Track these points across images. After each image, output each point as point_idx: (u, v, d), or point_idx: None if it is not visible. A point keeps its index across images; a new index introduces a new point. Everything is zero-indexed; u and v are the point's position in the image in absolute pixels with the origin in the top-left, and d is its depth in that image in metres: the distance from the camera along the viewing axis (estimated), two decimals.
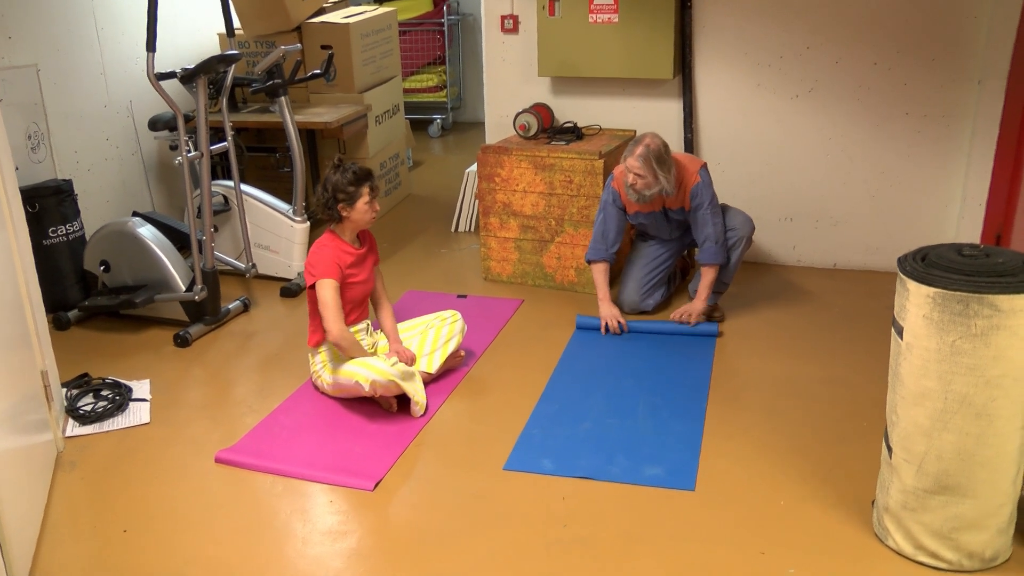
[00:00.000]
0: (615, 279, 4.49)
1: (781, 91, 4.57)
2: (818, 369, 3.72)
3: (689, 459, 3.08)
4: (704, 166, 4.01)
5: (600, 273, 4.15)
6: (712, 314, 4.17)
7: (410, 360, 3.58)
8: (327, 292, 3.40)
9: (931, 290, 2.29)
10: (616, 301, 4.20)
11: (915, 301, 2.34)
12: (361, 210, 3.46)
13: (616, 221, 4.11)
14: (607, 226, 4.12)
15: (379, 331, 3.77)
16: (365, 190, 3.44)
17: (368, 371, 3.30)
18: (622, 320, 4.06)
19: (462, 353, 3.83)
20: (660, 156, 3.83)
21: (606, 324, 4.05)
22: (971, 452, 2.35)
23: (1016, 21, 4.06)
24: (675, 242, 4.30)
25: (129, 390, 3.66)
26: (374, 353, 3.60)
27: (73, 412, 3.50)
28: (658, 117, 4.80)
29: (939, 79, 4.35)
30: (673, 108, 4.78)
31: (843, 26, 4.40)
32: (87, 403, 3.57)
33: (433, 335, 3.68)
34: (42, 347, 3.30)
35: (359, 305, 3.62)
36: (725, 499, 2.88)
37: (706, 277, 4.03)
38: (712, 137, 4.74)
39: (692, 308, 4.04)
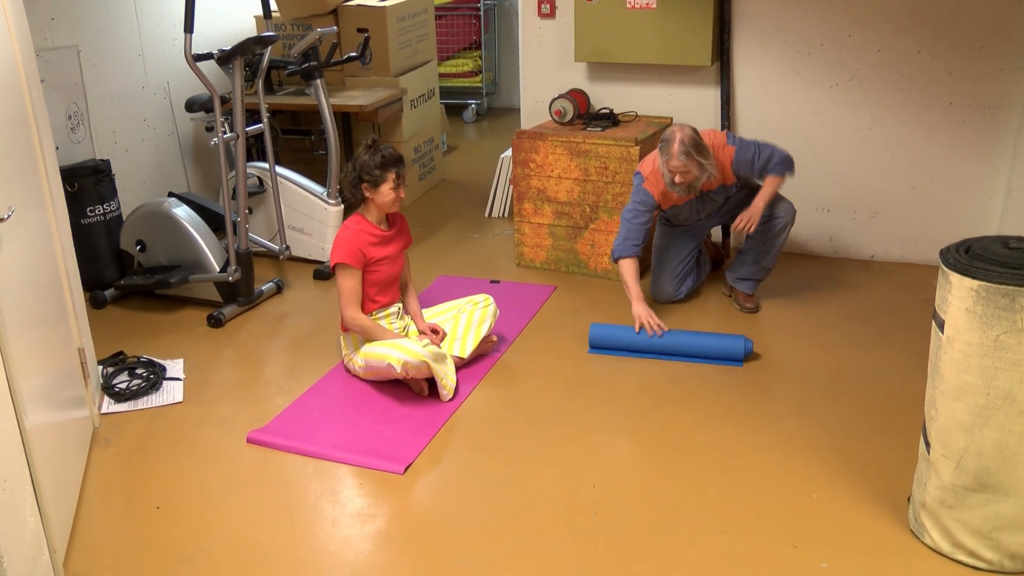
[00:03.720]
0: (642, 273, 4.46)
1: (820, 80, 4.50)
2: (852, 362, 3.67)
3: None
4: (728, 134, 3.97)
5: (631, 269, 3.93)
6: (746, 304, 4.13)
7: (442, 337, 3.58)
8: (342, 278, 3.44)
9: (975, 283, 2.24)
10: (647, 293, 4.17)
11: (957, 294, 2.29)
12: (385, 194, 3.45)
13: (647, 221, 4.03)
14: (639, 225, 3.95)
15: (408, 315, 3.76)
16: (391, 175, 3.44)
17: (400, 352, 3.31)
18: (659, 322, 3.78)
19: (494, 338, 3.82)
20: (697, 145, 3.79)
21: (641, 325, 3.79)
22: (1014, 450, 2.30)
23: None
24: (703, 225, 4.26)
25: (163, 369, 3.69)
26: (405, 336, 3.61)
27: (108, 389, 3.54)
28: (695, 104, 4.75)
29: (986, 68, 4.25)
30: (710, 96, 4.72)
31: (886, 14, 4.32)
32: (122, 381, 3.61)
33: (465, 319, 3.67)
34: (79, 325, 3.33)
35: (388, 288, 3.62)
36: (756, 491, 2.85)
37: (768, 186, 3.94)
38: (749, 126, 4.67)
39: (752, 211, 3.94)
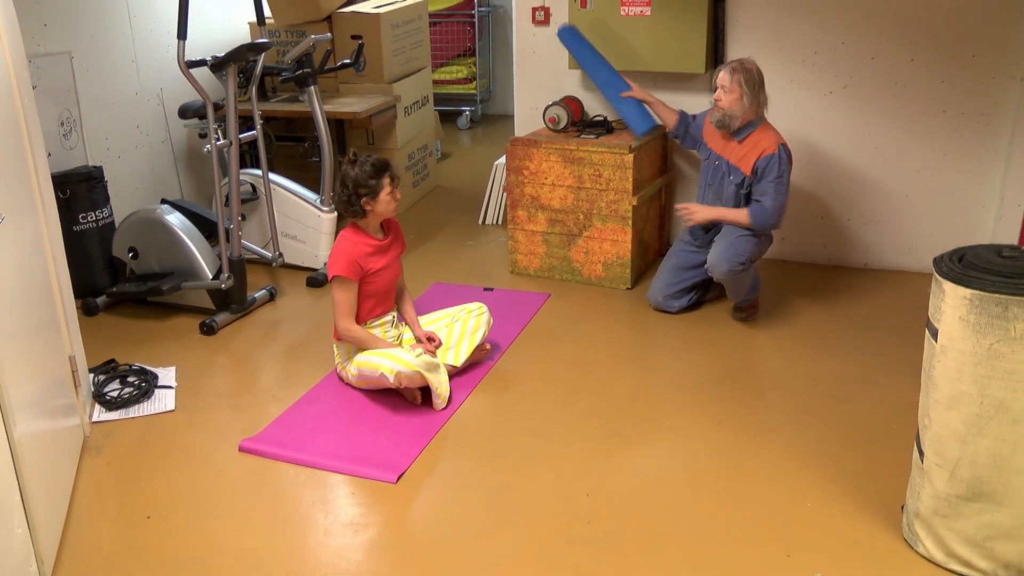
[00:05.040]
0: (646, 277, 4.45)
1: (815, 87, 4.51)
2: (846, 369, 3.67)
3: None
4: (785, 145, 3.91)
5: (667, 109, 4.36)
6: (735, 313, 4.14)
7: (437, 345, 3.58)
8: (338, 290, 3.43)
9: (968, 292, 2.24)
10: (646, 295, 4.23)
11: (951, 303, 2.29)
12: (384, 201, 3.44)
13: (699, 120, 4.20)
14: (698, 117, 4.23)
15: (403, 323, 3.75)
16: (386, 180, 3.42)
17: (393, 362, 3.29)
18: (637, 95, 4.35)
19: (488, 346, 3.81)
20: (751, 79, 3.81)
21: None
22: (1007, 459, 2.29)
23: None
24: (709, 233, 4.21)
25: (155, 377, 3.67)
26: (399, 345, 3.59)
27: (100, 398, 3.52)
28: (689, 111, 4.74)
29: (979, 76, 4.26)
30: (705, 103, 4.71)
31: (879, 22, 4.33)
32: (113, 389, 3.59)
33: (459, 327, 3.66)
34: (70, 333, 3.32)
35: (384, 298, 3.61)
36: (750, 499, 2.84)
37: (735, 211, 3.94)
38: None
39: (700, 209, 4.01)
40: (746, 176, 3.93)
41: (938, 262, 2.38)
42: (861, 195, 4.62)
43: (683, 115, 4.29)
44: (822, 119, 4.55)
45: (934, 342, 2.38)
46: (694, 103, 4.72)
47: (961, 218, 4.50)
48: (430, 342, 3.60)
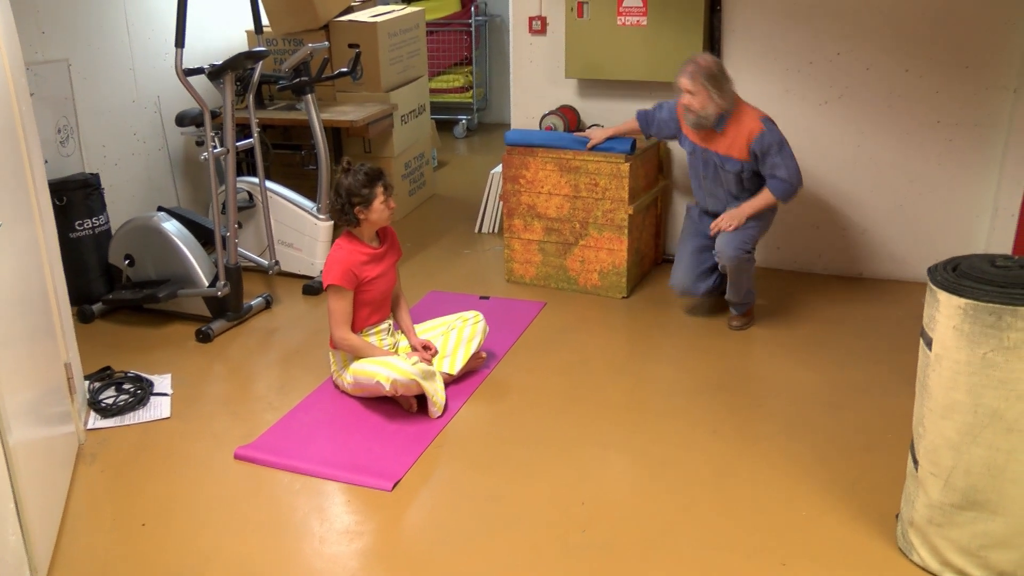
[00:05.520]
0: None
1: (810, 97, 4.52)
2: (842, 378, 3.68)
3: None
4: (767, 117, 3.89)
5: (629, 124, 4.32)
6: (731, 322, 4.15)
7: (434, 353, 3.58)
8: (333, 299, 3.43)
9: (962, 301, 2.25)
10: (670, 283, 4.23)
11: (945, 312, 2.30)
12: (378, 210, 3.45)
13: (670, 114, 4.14)
14: (662, 107, 4.20)
15: (399, 331, 3.76)
16: (379, 189, 3.43)
17: (389, 370, 3.30)
18: (589, 142, 4.31)
19: (483, 355, 3.82)
20: (712, 74, 3.80)
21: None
22: (1002, 468, 2.30)
23: None
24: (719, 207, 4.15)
25: (150, 384, 3.67)
26: (395, 353, 3.60)
27: (95, 405, 3.51)
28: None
29: (972, 87, 4.28)
30: None
31: (874, 33, 4.35)
32: (109, 396, 3.59)
33: (455, 336, 3.66)
34: (66, 340, 3.31)
35: (380, 307, 3.61)
36: (746, 508, 2.85)
37: (761, 197, 3.93)
38: None
39: (734, 213, 3.95)
40: (743, 161, 3.92)
41: (932, 272, 2.39)
42: (856, 205, 4.64)
43: (640, 117, 4.29)
44: (817, 129, 4.57)
45: (928, 351, 2.39)
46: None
47: (956, 228, 4.51)
48: (426, 350, 3.60)
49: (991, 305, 2.20)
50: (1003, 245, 4.33)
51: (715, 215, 4.11)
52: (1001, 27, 4.17)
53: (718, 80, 3.81)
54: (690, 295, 4.22)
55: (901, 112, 4.42)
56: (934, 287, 2.34)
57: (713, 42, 4.58)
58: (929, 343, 2.38)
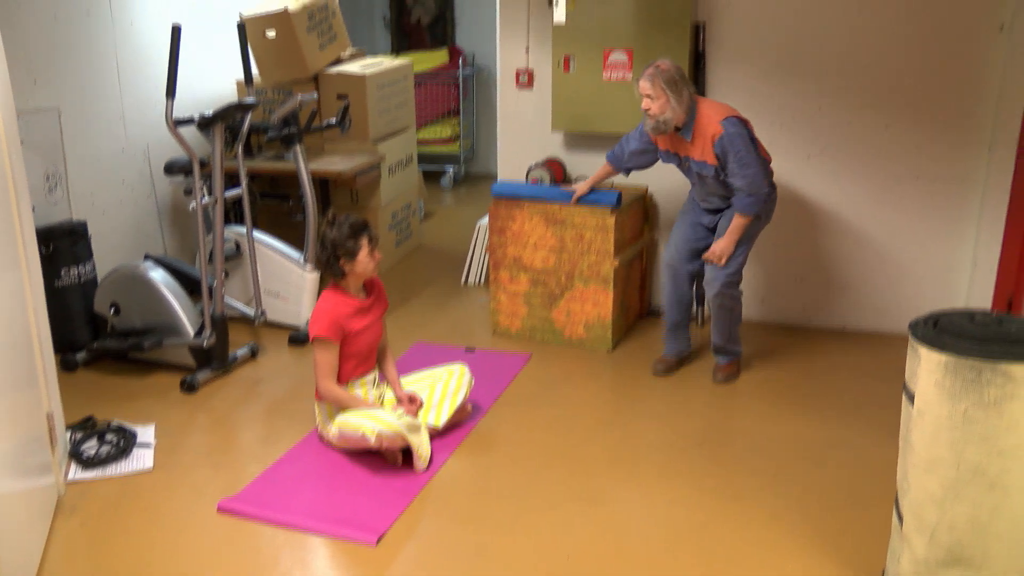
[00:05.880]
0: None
1: (793, 151, 4.60)
2: (826, 432, 3.69)
3: None
4: (730, 117, 3.83)
5: (602, 170, 4.32)
6: (716, 374, 4.17)
7: (419, 406, 3.57)
8: (318, 351, 3.43)
9: (943, 356, 2.28)
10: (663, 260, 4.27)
11: (927, 367, 2.32)
12: (363, 262, 3.47)
13: (639, 141, 4.12)
14: (630, 139, 4.18)
15: (386, 383, 3.75)
16: (364, 241, 3.45)
17: (374, 423, 3.29)
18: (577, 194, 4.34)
19: (469, 407, 3.81)
20: (671, 78, 3.79)
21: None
22: (985, 524, 2.31)
23: None
24: (718, 213, 4.10)
25: (134, 435, 3.64)
26: (380, 405, 3.59)
27: (76, 456, 3.48)
28: (670, 174, 4.79)
29: (950, 144, 4.37)
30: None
31: (855, 89, 4.44)
32: (91, 447, 3.55)
33: (441, 388, 3.66)
34: (49, 389, 3.29)
35: (366, 358, 3.61)
36: (731, 564, 2.83)
37: (736, 224, 3.90)
38: None
39: (718, 247, 3.93)
40: (715, 166, 3.88)
41: (914, 327, 2.42)
42: (839, 258, 4.69)
43: (611, 158, 4.27)
44: (801, 182, 4.63)
45: (911, 406, 2.41)
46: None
47: (937, 281, 4.57)
48: (411, 403, 3.59)
49: (971, 361, 2.23)
50: (983, 298, 4.38)
51: (716, 211, 4.09)
52: (976, 87, 4.27)
53: (677, 86, 3.79)
54: (677, 270, 4.17)
55: (882, 167, 4.50)
56: (915, 342, 2.37)
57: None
58: (911, 398, 2.40)
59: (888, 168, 4.49)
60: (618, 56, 4.63)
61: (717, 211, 4.10)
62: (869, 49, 4.38)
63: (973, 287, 4.46)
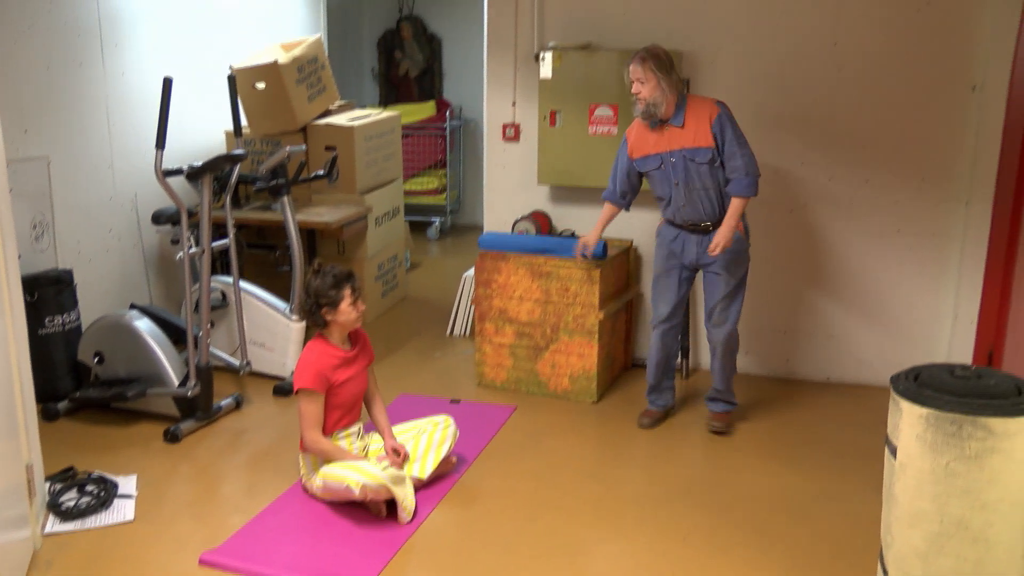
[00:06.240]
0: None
1: (776, 205, 4.67)
2: (810, 484, 3.69)
3: None
4: (720, 101, 3.89)
5: (605, 211, 4.23)
6: (712, 422, 4.17)
7: (404, 459, 3.56)
8: (304, 402, 3.43)
9: (924, 410, 2.30)
10: (653, 320, 4.21)
11: (908, 421, 2.35)
12: (345, 312, 3.49)
13: (624, 165, 4.09)
14: (615, 169, 4.16)
15: (371, 434, 3.74)
16: (347, 291, 3.48)
17: (359, 475, 3.27)
18: (588, 247, 4.23)
19: (454, 459, 3.80)
20: (661, 62, 3.79)
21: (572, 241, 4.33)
22: None
23: (998, 147, 4.19)
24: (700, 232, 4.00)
25: (115, 486, 3.60)
26: (365, 457, 3.57)
27: (55, 507, 3.43)
28: (655, 228, 4.86)
29: (929, 199, 4.46)
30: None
31: (836, 145, 4.53)
32: (70, 498, 3.50)
33: (426, 440, 3.65)
34: (29, 440, 3.26)
35: (351, 409, 3.61)
36: None
37: (735, 207, 3.87)
38: None
39: (720, 236, 3.85)
40: (711, 148, 3.85)
41: (895, 380, 2.44)
42: (822, 310, 4.74)
43: (607, 195, 4.20)
44: (783, 236, 4.70)
45: (893, 459, 2.43)
46: (659, 219, 4.84)
47: (919, 334, 4.62)
48: (396, 454, 3.58)
49: (951, 415, 2.25)
50: (964, 351, 4.43)
51: (693, 226, 3.99)
52: (951, 144, 4.38)
53: (666, 67, 3.80)
54: (666, 336, 4.17)
55: (863, 221, 4.57)
56: (897, 396, 2.40)
57: None
58: (894, 451, 2.42)
59: (869, 222, 4.57)
60: (604, 111, 4.71)
61: (696, 229, 3.99)
62: (848, 106, 4.49)
63: (954, 339, 4.51)
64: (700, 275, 4.19)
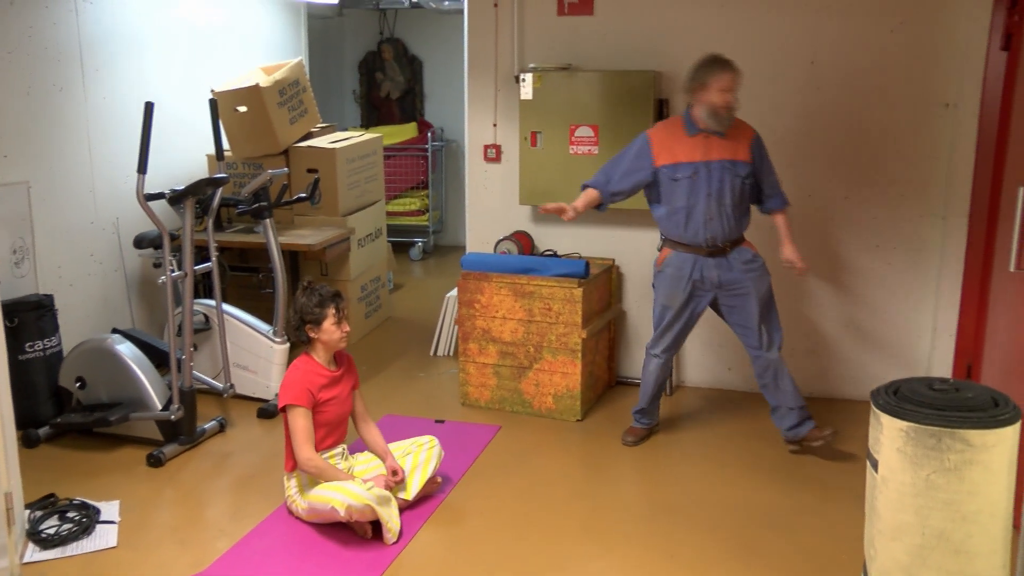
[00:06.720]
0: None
1: (756, 221, 4.68)
2: (794, 500, 3.71)
3: None
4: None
5: (588, 196, 4.06)
6: (818, 437, 4.05)
7: (400, 480, 3.56)
8: (295, 418, 3.42)
9: (904, 424, 2.33)
10: (657, 351, 4.18)
11: (889, 435, 2.37)
12: (328, 331, 3.50)
13: (633, 167, 3.97)
14: (618, 161, 4.04)
15: (355, 456, 3.74)
16: (331, 311, 3.49)
17: (344, 496, 3.27)
18: (567, 211, 4.03)
19: (439, 479, 3.80)
20: None
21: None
22: None
23: (972, 162, 4.26)
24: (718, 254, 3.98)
25: (97, 512, 3.57)
26: (351, 478, 3.57)
27: (35, 536, 3.39)
28: (636, 246, 4.91)
29: (906, 214, 4.51)
30: (652, 238, 4.89)
31: (814, 161, 4.59)
32: (51, 525, 3.47)
33: (411, 460, 3.65)
34: (8, 467, 3.22)
35: (335, 429, 3.61)
36: None
37: (784, 225, 4.06)
38: None
39: (792, 256, 4.03)
40: (749, 164, 3.93)
41: (875, 395, 2.47)
42: (803, 326, 4.78)
43: (596, 183, 4.07)
44: (763, 253, 4.70)
45: (875, 473, 2.45)
46: (640, 238, 4.89)
47: (899, 348, 4.66)
48: (394, 475, 3.57)
49: (931, 428, 2.28)
50: (943, 364, 4.48)
51: (711, 247, 3.94)
52: (927, 160, 4.44)
53: None
54: (666, 364, 4.19)
55: (842, 236, 4.62)
56: (877, 410, 2.42)
57: None
58: (875, 465, 2.45)
59: (848, 237, 4.62)
60: (584, 131, 4.75)
61: (715, 251, 3.95)
62: (825, 123, 4.55)
63: (934, 352, 4.56)
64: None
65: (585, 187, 4.12)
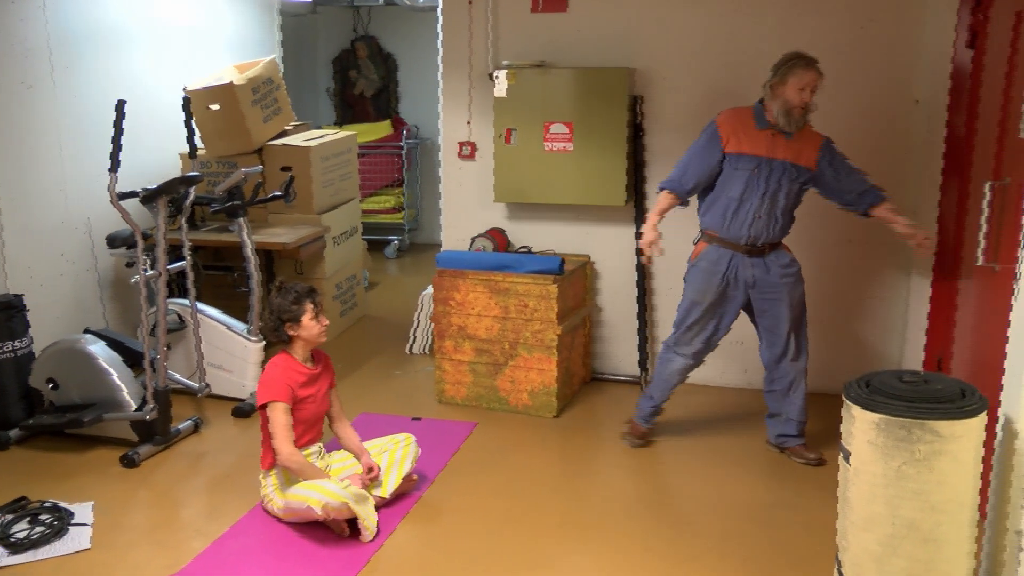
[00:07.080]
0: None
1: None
2: (769, 493, 3.75)
3: None
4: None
5: (664, 201, 3.91)
6: (808, 455, 4.04)
7: (376, 478, 3.56)
8: (276, 414, 3.41)
9: (875, 416, 2.36)
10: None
11: (860, 427, 2.40)
12: (308, 326, 3.50)
13: (705, 155, 3.84)
14: (692, 158, 3.89)
15: (331, 454, 3.73)
16: (308, 306, 3.50)
17: (320, 494, 3.26)
18: (655, 248, 3.89)
19: (415, 477, 3.80)
20: None
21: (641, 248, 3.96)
22: None
23: (941, 157, 4.30)
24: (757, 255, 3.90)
25: (70, 514, 3.54)
26: (327, 476, 3.56)
27: (5, 540, 3.34)
28: (611, 242, 4.94)
29: None
30: (626, 234, 4.92)
31: None
32: (22, 529, 3.42)
33: (387, 458, 3.65)
34: None
35: (312, 427, 3.60)
36: None
37: (888, 211, 3.85)
38: (664, 262, 4.86)
39: (921, 236, 3.84)
40: (811, 171, 3.82)
41: (848, 388, 2.50)
42: None
43: (670, 185, 3.94)
44: (800, 258, 4.73)
45: (847, 465, 2.48)
46: (615, 234, 4.91)
47: (873, 341, 4.72)
48: (369, 472, 3.57)
49: (901, 419, 2.31)
50: (916, 357, 4.53)
51: (751, 245, 3.87)
52: (898, 156, 4.49)
53: None
54: (694, 360, 4.08)
55: (815, 232, 4.65)
56: (849, 402, 2.45)
57: (637, 166, 4.80)
58: (848, 457, 2.48)
59: (821, 233, 4.66)
60: (559, 128, 4.76)
61: (754, 250, 3.88)
62: None
63: (907, 347, 4.61)
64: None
65: (661, 189, 3.98)
